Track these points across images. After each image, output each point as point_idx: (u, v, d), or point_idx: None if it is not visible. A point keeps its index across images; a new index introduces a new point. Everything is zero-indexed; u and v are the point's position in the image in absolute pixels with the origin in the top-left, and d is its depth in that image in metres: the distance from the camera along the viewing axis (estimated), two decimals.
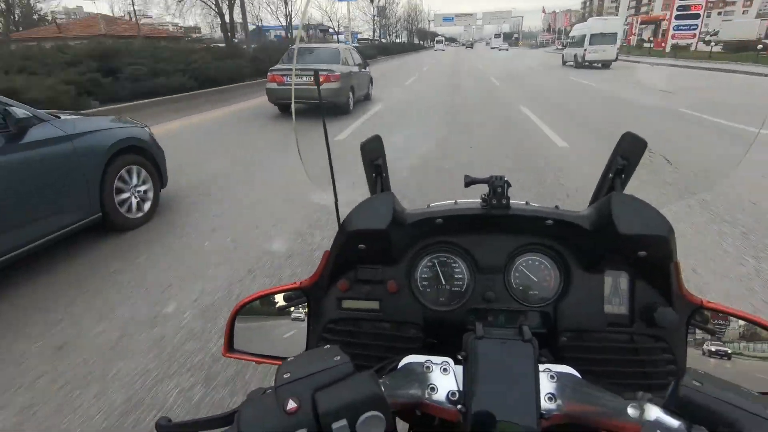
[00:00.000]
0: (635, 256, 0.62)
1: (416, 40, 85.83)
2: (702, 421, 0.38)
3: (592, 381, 0.47)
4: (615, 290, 0.67)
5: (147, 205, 3.69)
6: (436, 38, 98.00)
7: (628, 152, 0.81)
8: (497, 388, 0.44)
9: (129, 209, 3.51)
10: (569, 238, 0.69)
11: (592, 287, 0.67)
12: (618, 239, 0.60)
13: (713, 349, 0.66)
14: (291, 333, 0.73)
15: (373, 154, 0.85)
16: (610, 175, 0.84)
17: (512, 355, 0.45)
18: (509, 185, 0.67)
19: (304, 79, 8.29)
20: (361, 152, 0.85)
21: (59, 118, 3.10)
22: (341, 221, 0.68)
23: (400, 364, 0.49)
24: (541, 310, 0.69)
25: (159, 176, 3.84)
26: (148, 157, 3.71)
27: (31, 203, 2.74)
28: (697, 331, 0.65)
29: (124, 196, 3.47)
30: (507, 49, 64.97)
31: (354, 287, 0.70)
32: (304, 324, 0.72)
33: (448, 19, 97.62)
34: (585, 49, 21.54)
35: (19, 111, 2.73)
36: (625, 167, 0.81)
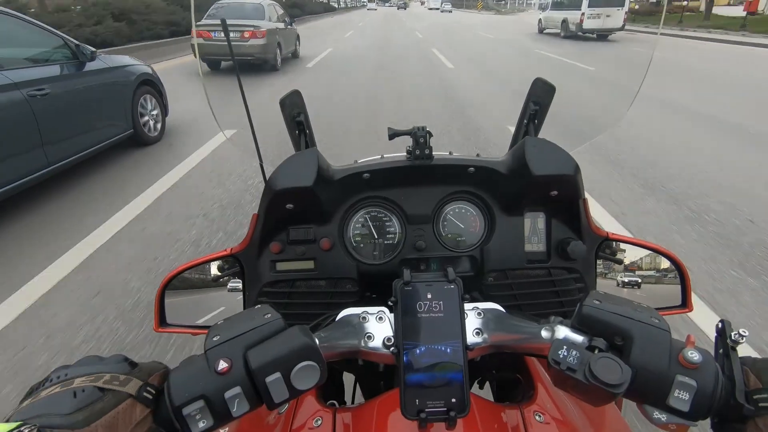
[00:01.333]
0: (549, 196, 0.68)
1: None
2: (601, 334, 0.43)
3: (515, 314, 0.51)
4: (534, 230, 0.72)
5: (159, 126, 4.82)
6: None
7: (539, 97, 0.86)
8: (426, 326, 0.46)
9: (148, 129, 4.63)
10: (490, 184, 0.72)
11: (513, 229, 0.71)
12: (532, 180, 0.64)
13: (626, 279, 0.73)
14: (225, 301, 0.73)
15: (294, 110, 0.86)
16: (525, 120, 0.89)
17: (439, 296, 0.47)
18: (431, 135, 0.68)
19: (232, 35, 8.59)
20: (281, 109, 0.85)
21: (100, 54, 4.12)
22: (266, 181, 0.67)
23: (338, 317, 0.51)
24: (469, 255, 0.72)
25: (163, 105, 4.94)
26: (156, 89, 4.79)
27: (94, 116, 3.84)
28: (608, 262, 0.72)
29: (144, 119, 4.57)
30: (450, 11, 57.62)
31: (287, 249, 0.70)
32: (239, 291, 0.72)
33: None
34: (583, 13, 15.74)
35: (84, 48, 3.77)
36: (537, 112, 0.87)
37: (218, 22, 8.94)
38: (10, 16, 3.40)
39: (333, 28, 24.26)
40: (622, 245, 0.74)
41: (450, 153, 0.79)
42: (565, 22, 17.17)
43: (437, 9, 62.65)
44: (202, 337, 0.58)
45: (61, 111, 3.40)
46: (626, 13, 16.13)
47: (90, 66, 3.82)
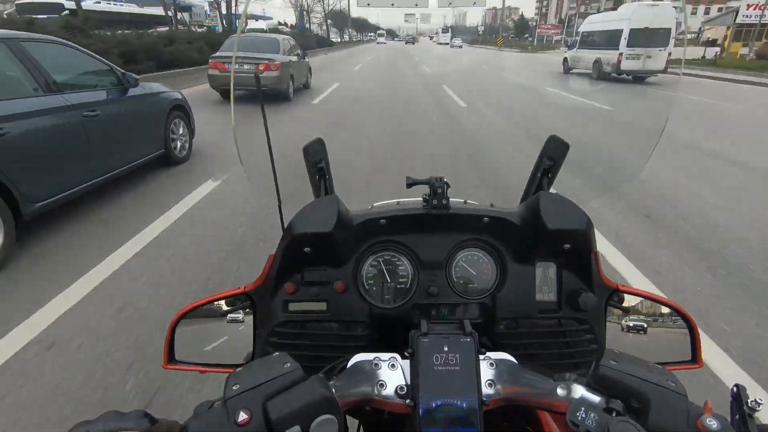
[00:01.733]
0: (561, 248, 0.68)
1: (347, 34, 74.28)
2: (618, 395, 0.43)
3: (527, 365, 0.51)
4: (545, 279, 0.72)
5: (186, 146, 5.21)
6: (378, 32, 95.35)
7: (553, 153, 0.88)
8: (442, 379, 0.47)
9: (177, 150, 5.02)
10: (504, 234, 0.73)
11: (524, 278, 0.72)
12: (546, 233, 0.65)
13: (631, 324, 0.73)
14: (236, 339, 0.73)
15: (316, 157, 0.88)
16: (538, 174, 0.90)
17: (455, 349, 0.48)
18: (448, 186, 0.70)
19: (246, 67, 9.16)
20: (304, 155, 0.88)
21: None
22: (285, 225, 0.69)
23: (350, 363, 0.51)
24: (480, 302, 0.72)
25: (191, 128, 5.35)
26: (185, 113, 5.21)
27: (133, 136, 4.23)
28: (615, 310, 0.73)
29: (174, 140, 4.96)
30: (460, 46, 55.39)
31: (301, 289, 0.71)
32: (249, 329, 0.72)
33: None
34: (621, 53, 14.27)
35: (130, 76, 4.20)
36: (551, 167, 0.88)
37: (232, 54, 9.63)
38: (68, 46, 3.84)
39: (342, 60, 24.90)
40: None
41: (465, 201, 0.80)
42: (597, 62, 15.66)
43: (447, 44, 62.10)
44: (210, 374, 0.66)
45: (107, 131, 3.78)
46: (670, 53, 14.32)
47: (132, 92, 4.23)
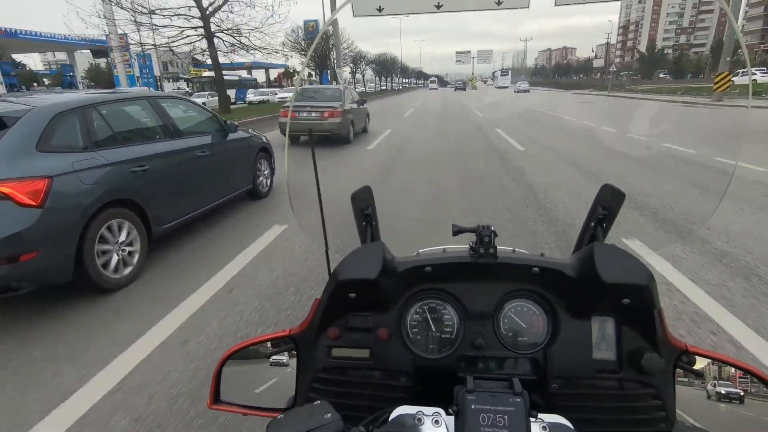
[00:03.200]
0: (620, 304, 0.64)
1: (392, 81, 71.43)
2: None
3: (583, 430, 0.48)
4: (602, 336, 0.67)
5: (269, 183, 5.95)
6: (430, 79, 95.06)
7: (608, 203, 0.84)
8: None
9: (261, 186, 5.76)
10: (555, 285, 0.69)
11: (580, 333, 0.67)
12: (602, 287, 0.61)
13: (723, 391, 0.63)
14: (279, 382, 0.72)
15: (363, 204, 0.89)
16: (592, 224, 0.87)
17: (504, 409, 0.45)
18: (496, 235, 0.68)
19: (313, 114, 10.39)
20: (352, 202, 0.89)
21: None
22: (332, 270, 0.69)
23: (392, 416, 0.49)
24: (531, 357, 0.68)
25: (272, 168, 6.12)
26: (268, 154, 6.00)
27: (230, 173, 4.98)
28: (697, 374, 0.65)
29: (259, 178, 5.71)
30: (527, 91, 43.24)
31: (344, 335, 0.70)
32: (292, 372, 0.72)
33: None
34: None
35: (231, 123, 5.04)
36: (605, 216, 0.85)
37: (302, 104, 10.61)
38: (184, 100, 4.74)
39: (394, 106, 25.15)
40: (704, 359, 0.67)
41: (513, 250, 0.78)
42: None
43: (506, 87, 47.01)
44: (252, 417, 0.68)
45: (213, 168, 4.54)
46: None
47: (231, 136, 5.04)
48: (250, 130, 5.81)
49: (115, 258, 3.24)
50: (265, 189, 5.86)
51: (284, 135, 10.70)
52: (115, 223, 3.25)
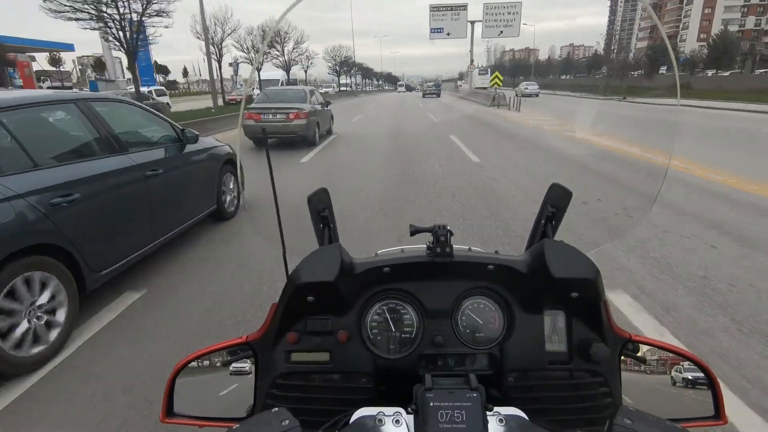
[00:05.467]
0: (569, 297, 0.67)
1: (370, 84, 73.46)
2: None
3: (538, 421, 0.50)
4: (554, 329, 0.71)
5: (235, 202, 5.00)
6: (398, 82, 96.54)
7: (557, 201, 0.88)
8: None
9: (226, 204, 4.81)
10: (509, 282, 0.72)
11: (533, 327, 0.70)
12: (552, 282, 0.64)
13: (651, 377, 0.69)
14: (239, 390, 0.70)
15: (320, 206, 0.88)
16: (542, 221, 0.90)
17: (461, 405, 0.47)
18: (452, 234, 0.70)
19: (278, 116, 9.77)
20: (308, 205, 0.88)
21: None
22: (289, 273, 0.68)
23: (352, 418, 0.50)
24: (489, 352, 0.70)
25: (242, 182, 5.16)
26: (235, 167, 5.04)
27: (190, 193, 4.03)
28: (635, 361, 0.70)
29: (225, 196, 4.76)
30: (537, 95, 33.52)
31: (303, 339, 0.69)
32: (250, 379, 0.70)
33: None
34: None
35: (189, 131, 4.06)
36: (554, 214, 0.88)
37: (266, 105, 10.06)
38: (129, 104, 3.73)
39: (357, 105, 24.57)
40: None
41: (469, 249, 0.79)
42: None
43: (484, 88, 28.97)
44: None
45: (168, 189, 3.59)
46: None
47: (189, 147, 4.08)
48: (211, 139, 4.83)
49: (23, 326, 2.27)
50: (232, 208, 4.91)
51: (249, 138, 9.70)
52: (21, 280, 2.26)
